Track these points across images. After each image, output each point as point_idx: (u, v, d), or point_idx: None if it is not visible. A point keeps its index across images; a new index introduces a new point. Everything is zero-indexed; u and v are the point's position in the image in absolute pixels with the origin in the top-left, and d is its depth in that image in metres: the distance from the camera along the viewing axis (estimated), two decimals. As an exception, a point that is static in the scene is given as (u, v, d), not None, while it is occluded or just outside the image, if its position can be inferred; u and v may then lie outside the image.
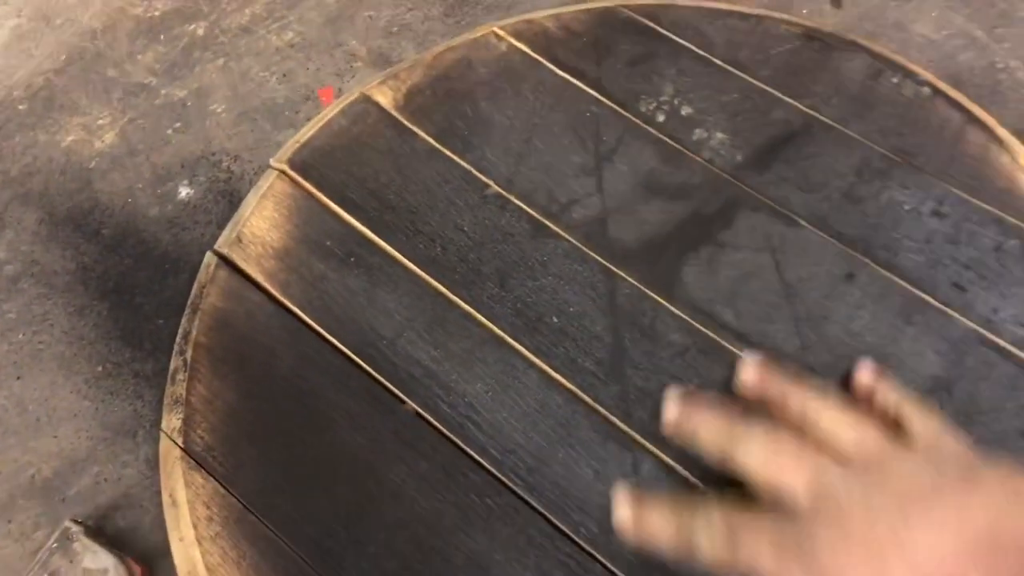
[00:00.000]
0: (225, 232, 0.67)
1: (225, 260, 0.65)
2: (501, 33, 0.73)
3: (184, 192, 0.73)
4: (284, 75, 0.78)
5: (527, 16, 0.75)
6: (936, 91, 0.67)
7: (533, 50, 0.72)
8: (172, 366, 0.63)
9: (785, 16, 0.72)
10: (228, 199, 0.72)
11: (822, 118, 0.67)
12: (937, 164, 0.64)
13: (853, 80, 0.68)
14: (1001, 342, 0.57)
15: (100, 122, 0.76)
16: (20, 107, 0.76)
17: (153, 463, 0.62)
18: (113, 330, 0.67)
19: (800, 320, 0.60)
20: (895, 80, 0.68)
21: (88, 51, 0.79)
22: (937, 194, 0.63)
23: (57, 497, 0.61)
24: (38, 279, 0.69)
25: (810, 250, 0.62)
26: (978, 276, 0.60)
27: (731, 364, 0.58)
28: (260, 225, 0.66)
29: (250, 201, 0.68)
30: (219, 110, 0.77)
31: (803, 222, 0.63)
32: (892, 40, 0.72)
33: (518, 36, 0.73)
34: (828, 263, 0.61)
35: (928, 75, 0.68)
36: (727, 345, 0.59)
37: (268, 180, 0.68)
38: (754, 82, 0.69)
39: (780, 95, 0.68)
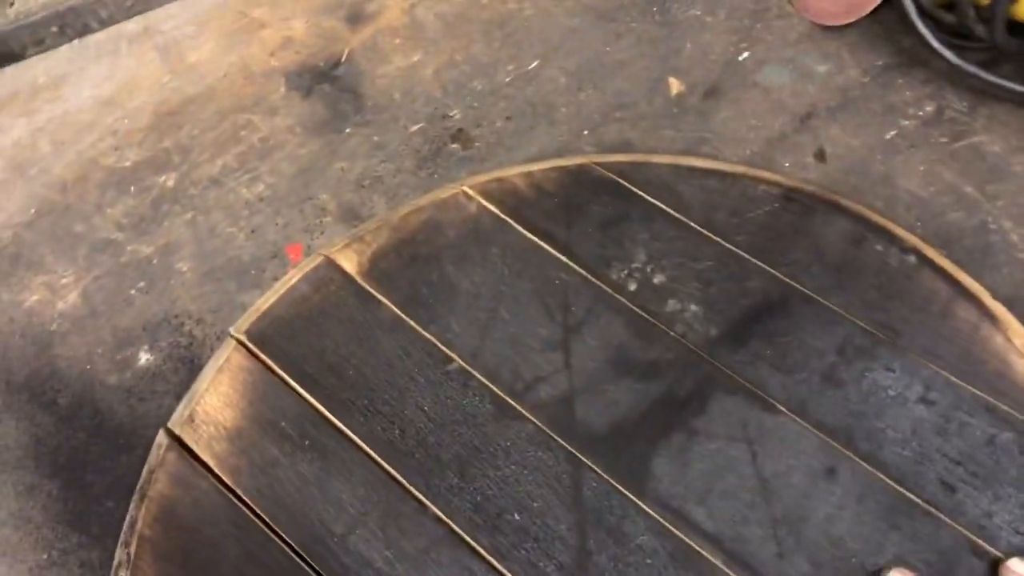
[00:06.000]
0: (179, 408, 0.65)
1: (176, 440, 0.63)
2: (471, 192, 0.71)
3: (144, 358, 0.71)
4: (252, 231, 0.76)
5: (498, 173, 0.73)
6: (923, 259, 0.64)
7: (502, 211, 0.70)
8: (116, 559, 0.60)
9: (764, 174, 0.69)
10: (188, 366, 0.70)
11: (801, 288, 0.63)
12: (924, 343, 0.60)
13: (834, 246, 0.65)
14: (995, 551, 0.53)
15: (64, 281, 0.74)
16: (-13, 264, 0.75)
17: (91, 667, 0.59)
18: (62, 512, 0.65)
19: (777, 522, 0.55)
20: (879, 247, 0.65)
21: (58, 204, 0.78)
22: (924, 377, 0.59)
23: None
24: (-11, 454, 0.67)
25: (788, 440, 0.58)
26: (969, 473, 0.55)
27: (703, 574, 0.54)
28: (214, 403, 0.64)
29: (207, 374, 0.65)
30: (184, 268, 0.75)
31: (781, 407, 0.59)
32: (878, 197, 0.69)
33: (487, 196, 0.71)
34: (808, 456, 0.57)
35: (915, 239, 0.65)
36: (699, 550, 0.55)
37: (226, 351, 0.66)
38: (730, 247, 0.66)
39: (757, 262, 0.65)
